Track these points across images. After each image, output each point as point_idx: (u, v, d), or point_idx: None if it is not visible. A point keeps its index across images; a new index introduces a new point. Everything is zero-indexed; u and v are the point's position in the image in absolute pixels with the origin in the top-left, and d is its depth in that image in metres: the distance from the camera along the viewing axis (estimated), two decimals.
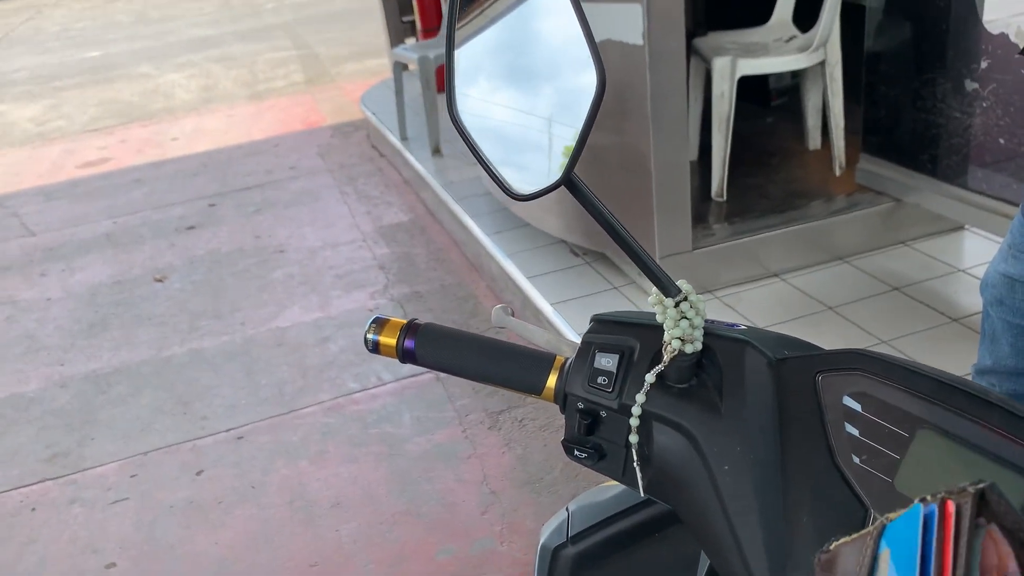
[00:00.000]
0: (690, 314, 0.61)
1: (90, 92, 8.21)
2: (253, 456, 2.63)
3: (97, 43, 11.03)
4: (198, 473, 2.58)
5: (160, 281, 3.92)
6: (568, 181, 0.59)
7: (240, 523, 2.35)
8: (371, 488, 2.42)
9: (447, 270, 3.70)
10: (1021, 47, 1.12)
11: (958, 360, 2.25)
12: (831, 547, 0.39)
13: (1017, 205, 2.49)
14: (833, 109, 3.16)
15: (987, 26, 2.56)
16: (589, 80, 0.57)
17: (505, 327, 0.83)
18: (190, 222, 4.59)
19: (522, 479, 2.37)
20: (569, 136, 0.60)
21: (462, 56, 0.62)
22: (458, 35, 0.62)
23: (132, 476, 2.61)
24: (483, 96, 0.65)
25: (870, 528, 0.38)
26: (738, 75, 3.02)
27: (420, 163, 4.47)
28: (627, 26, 2.51)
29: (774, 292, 2.76)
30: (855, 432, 0.57)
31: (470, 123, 0.63)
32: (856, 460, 0.56)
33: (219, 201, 4.86)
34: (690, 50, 3.16)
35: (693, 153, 3.37)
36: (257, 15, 11.65)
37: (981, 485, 0.34)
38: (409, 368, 2.87)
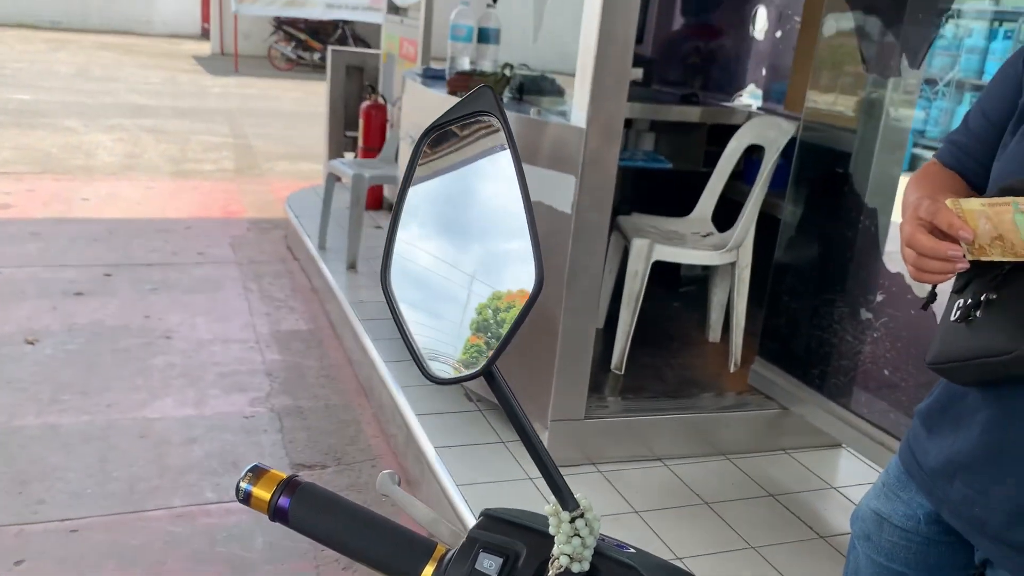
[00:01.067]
0: (584, 532, 0.60)
1: (8, 134, 7.95)
2: (84, 554, 2.42)
3: (30, 87, 10.80)
4: (17, 563, 2.35)
5: (31, 343, 3.69)
6: (488, 372, 0.58)
7: None
8: None
9: (335, 389, 3.60)
10: (923, 301, 1.19)
11: None
12: None
13: (892, 434, 2.60)
14: (737, 308, 3.29)
15: (886, 259, 2.75)
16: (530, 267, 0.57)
17: (388, 496, 0.79)
18: (80, 288, 4.39)
19: None
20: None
21: (403, 226, 0.62)
22: (403, 218, 0.62)
23: None
24: (418, 269, 0.65)
25: None
26: (653, 259, 3.13)
27: (333, 275, 4.42)
28: (558, 194, 2.59)
29: (656, 476, 2.77)
30: None
31: (400, 291, 0.62)
32: None
33: (116, 272, 4.67)
34: (613, 225, 3.27)
35: (600, 321, 3.44)
36: (201, 96, 11.65)
37: None
38: None
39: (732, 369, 3.30)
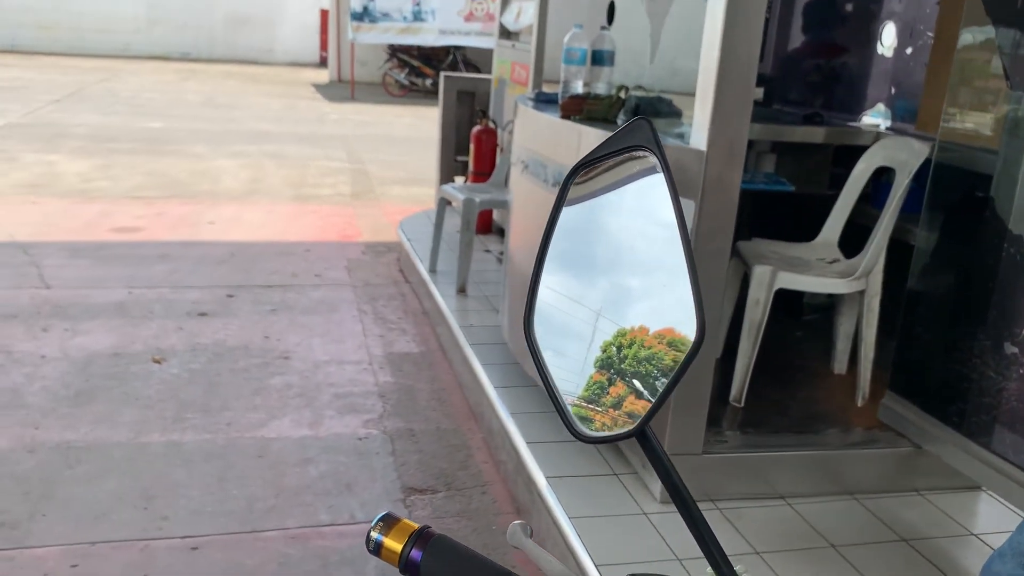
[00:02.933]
0: None
1: (141, 160, 8.40)
2: (204, 571, 2.47)
3: (161, 116, 11.41)
4: None
5: (158, 363, 3.84)
6: (641, 433, 0.53)
7: None
8: None
9: (446, 412, 3.60)
10: None
11: None
12: None
13: None
14: (865, 339, 3.12)
15: None
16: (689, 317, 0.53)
17: (520, 548, 0.75)
18: (204, 308, 4.56)
19: None
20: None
21: (546, 275, 0.58)
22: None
23: (73, 566, 2.44)
24: (545, 306, 0.61)
25: None
26: (777, 287, 3.01)
27: (443, 298, 4.45)
28: None
29: (778, 516, 2.64)
30: None
31: (544, 340, 0.58)
32: None
33: (238, 293, 4.83)
34: (732, 250, 3.16)
35: (718, 351, 3.32)
36: (320, 122, 12.06)
37: None
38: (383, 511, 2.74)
39: (860, 403, 3.12)
